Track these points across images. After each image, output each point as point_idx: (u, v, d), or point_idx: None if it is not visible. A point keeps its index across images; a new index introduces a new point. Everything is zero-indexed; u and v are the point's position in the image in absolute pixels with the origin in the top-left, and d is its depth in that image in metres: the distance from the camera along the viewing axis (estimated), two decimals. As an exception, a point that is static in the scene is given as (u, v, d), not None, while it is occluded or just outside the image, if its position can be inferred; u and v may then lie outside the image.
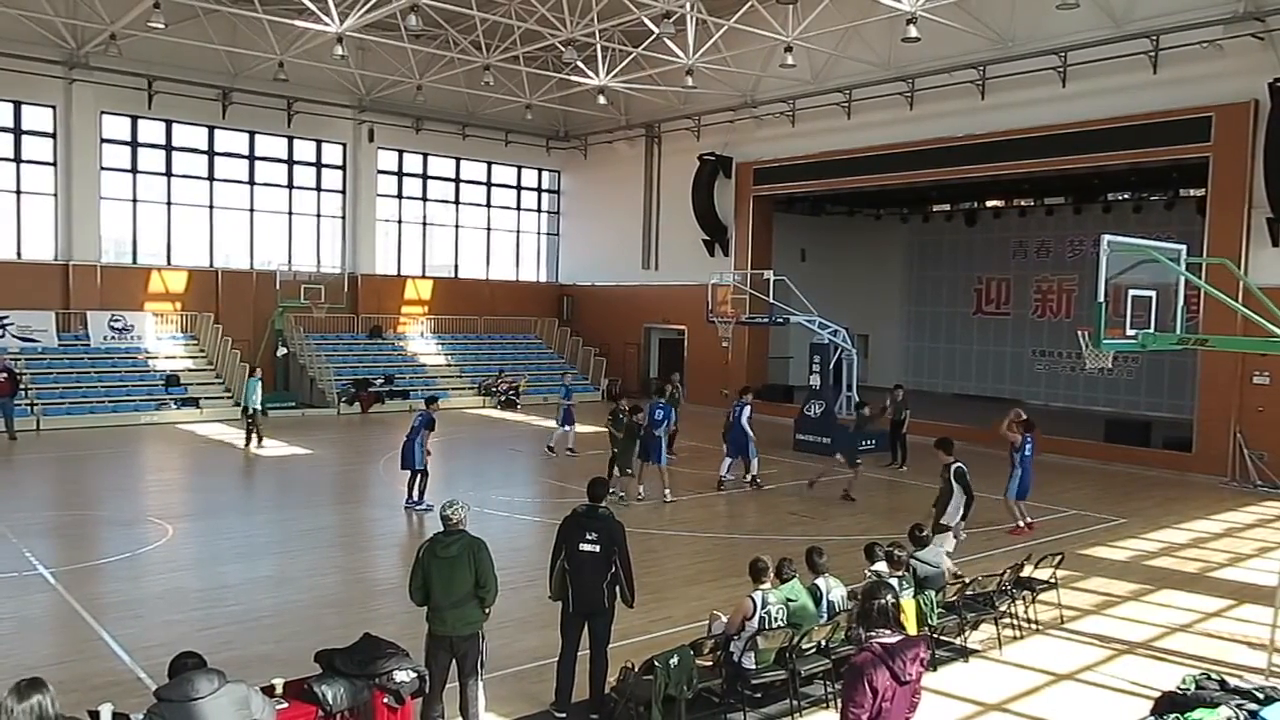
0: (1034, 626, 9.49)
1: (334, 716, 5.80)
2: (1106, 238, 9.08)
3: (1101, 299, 8.84)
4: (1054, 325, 29.00)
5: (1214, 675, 6.51)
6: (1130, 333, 9.33)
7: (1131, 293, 9.45)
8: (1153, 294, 9.53)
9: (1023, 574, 9.59)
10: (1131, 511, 15.62)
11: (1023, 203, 28.91)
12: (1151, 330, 9.39)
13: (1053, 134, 21.40)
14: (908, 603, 7.97)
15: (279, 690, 5.74)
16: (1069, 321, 27.74)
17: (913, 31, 18.96)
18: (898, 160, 24.51)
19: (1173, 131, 19.69)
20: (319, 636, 7.84)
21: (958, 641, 8.90)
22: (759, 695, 7.45)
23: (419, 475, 14.74)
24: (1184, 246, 9.87)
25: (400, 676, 6.10)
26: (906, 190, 27.08)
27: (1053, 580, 9.81)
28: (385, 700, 6.04)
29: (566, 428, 20.05)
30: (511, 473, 18.76)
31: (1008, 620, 9.27)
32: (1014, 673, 8.45)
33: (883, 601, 4.68)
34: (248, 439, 20.18)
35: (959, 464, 11.15)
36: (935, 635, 8.46)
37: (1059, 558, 9.85)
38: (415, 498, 14.65)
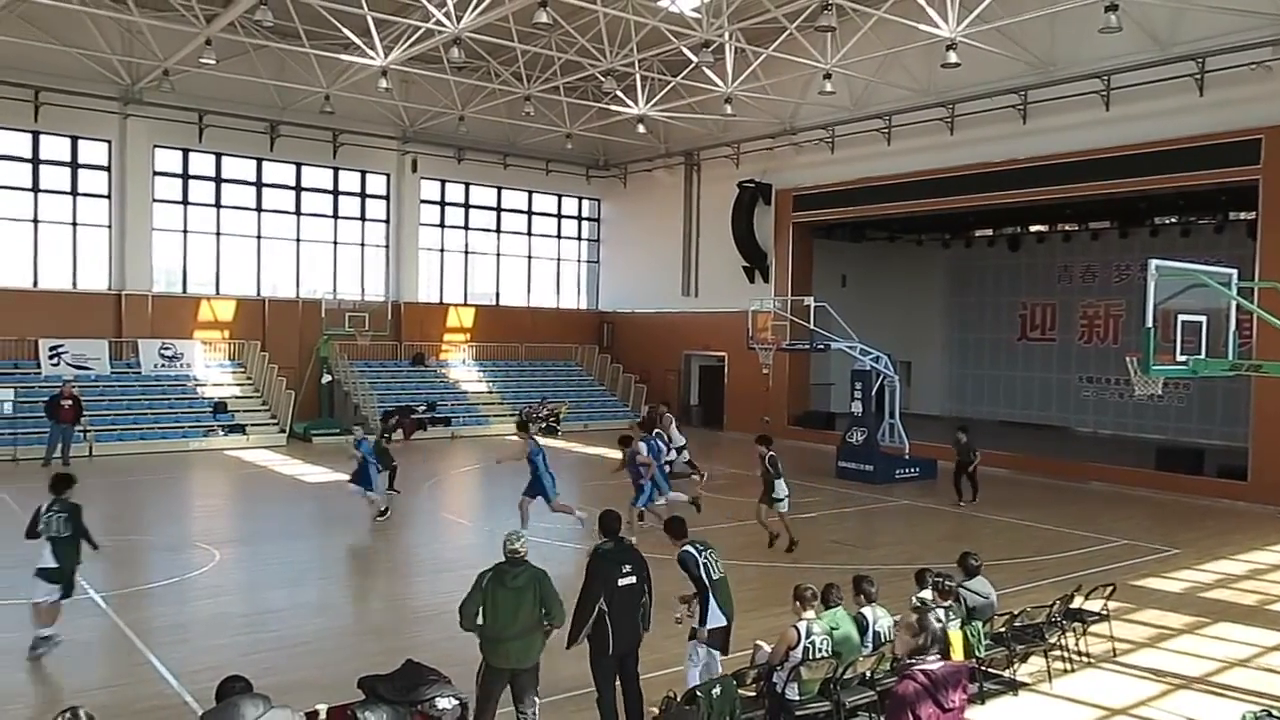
0: (1085, 659, 9.27)
1: (376, 743, 5.82)
2: (1154, 262, 8.94)
3: (1150, 324, 8.69)
4: (1101, 351, 28.53)
5: (1274, 712, 6.32)
6: (1181, 358, 9.15)
7: (1181, 318, 9.28)
8: (1203, 319, 9.35)
9: (1073, 605, 9.38)
10: (1185, 542, 15.24)
11: (1067, 227, 28.54)
12: (1203, 356, 9.21)
13: (1097, 158, 21.16)
14: (955, 634, 7.83)
15: (322, 715, 5.78)
16: (1117, 347, 27.27)
17: (953, 57, 18.91)
18: (939, 185, 24.37)
19: (1221, 154, 19.38)
20: (362, 662, 7.87)
21: (1006, 674, 8.72)
22: (802, 727, 7.34)
23: None
24: (1235, 271, 9.69)
25: (442, 703, 6.12)
26: (948, 215, 26.88)
27: (1104, 612, 9.58)
28: (427, 727, 6.05)
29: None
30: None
31: (1058, 653, 9.06)
32: (1065, 707, 8.25)
33: (935, 625, 4.63)
34: None
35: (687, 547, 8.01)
36: (983, 667, 8.29)
37: (1110, 589, 9.63)
38: None
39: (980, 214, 26.90)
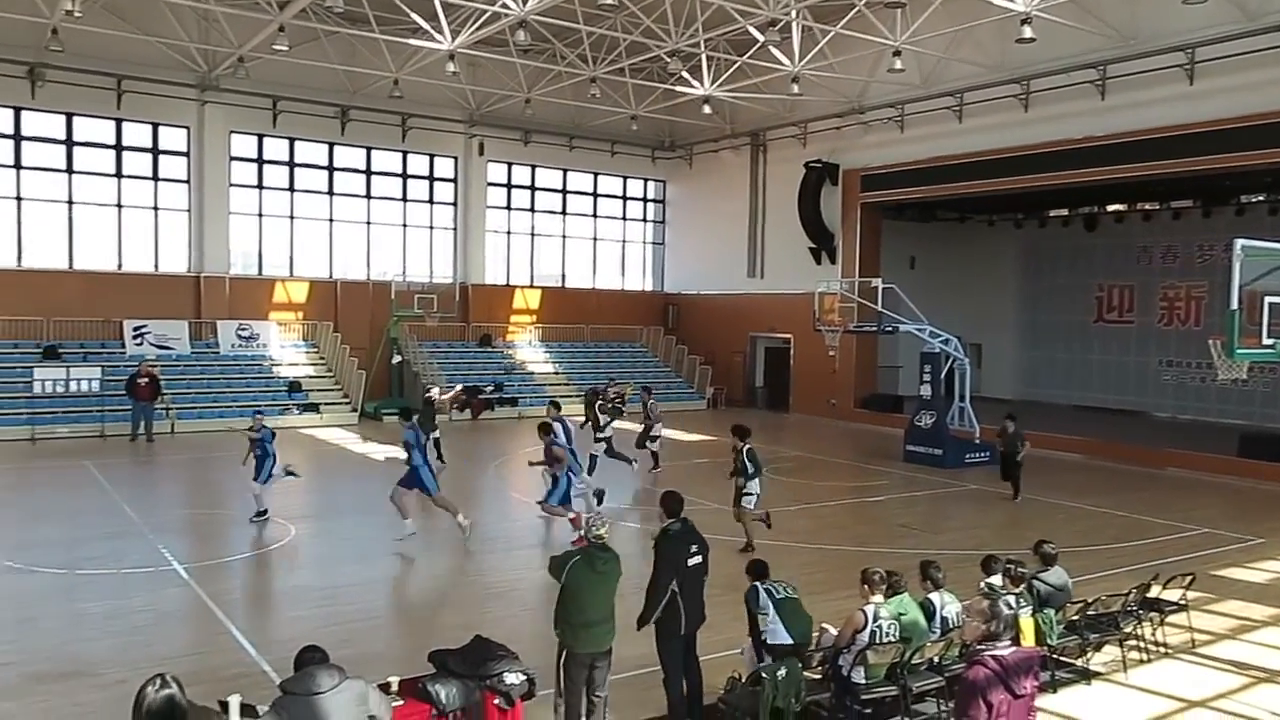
0: (1162, 650, 9.04)
1: (446, 716, 5.93)
2: (1240, 242, 8.66)
3: (1235, 306, 8.42)
4: (1182, 334, 27.64)
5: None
6: (1267, 341, 8.85)
7: (1268, 300, 8.96)
8: (1292, 300, 9.01)
9: (1150, 594, 9.15)
10: (1269, 531, 14.71)
11: (1147, 206, 27.67)
12: (1291, 339, 8.88)
13: (1180, 134, 20.42)
14: (1026, 621, 7.71)
15: (394, 687, 5.89)
16: (1199, 330, 26.38)
17: (1027, 32, 18.39)
18: (1012, 164, 23.77)
19: (1314, 129, 18.57)
20: (432, 637, 8.03)
21: (1079, 663, 8.56)
22: (868, 711, 7.30)
23: None
24: (1328, 250, 9.30)
25: (510, 679, 6.19)
26: (1022, 195, 26.21)
27: (1183, 602, 9.32)
28: (496, 702, 6.13)
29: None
30: (616, 480, 18.82)
31: (1133, 642, 8.85)
32: (1140, 697, 8.06)
33: (1006, 611, 4.57)
34: None
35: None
36: (1056, 656, 8.15)
37: (1189, 578, 9.36)
38: None
39: (1055, 193, 26.22)
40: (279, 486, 14.58)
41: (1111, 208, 28.46)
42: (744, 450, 12.91)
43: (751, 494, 12.89)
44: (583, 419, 17.87)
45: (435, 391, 20.50)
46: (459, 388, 25.79)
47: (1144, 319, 28.80)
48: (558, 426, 14.00)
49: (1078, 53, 21.79)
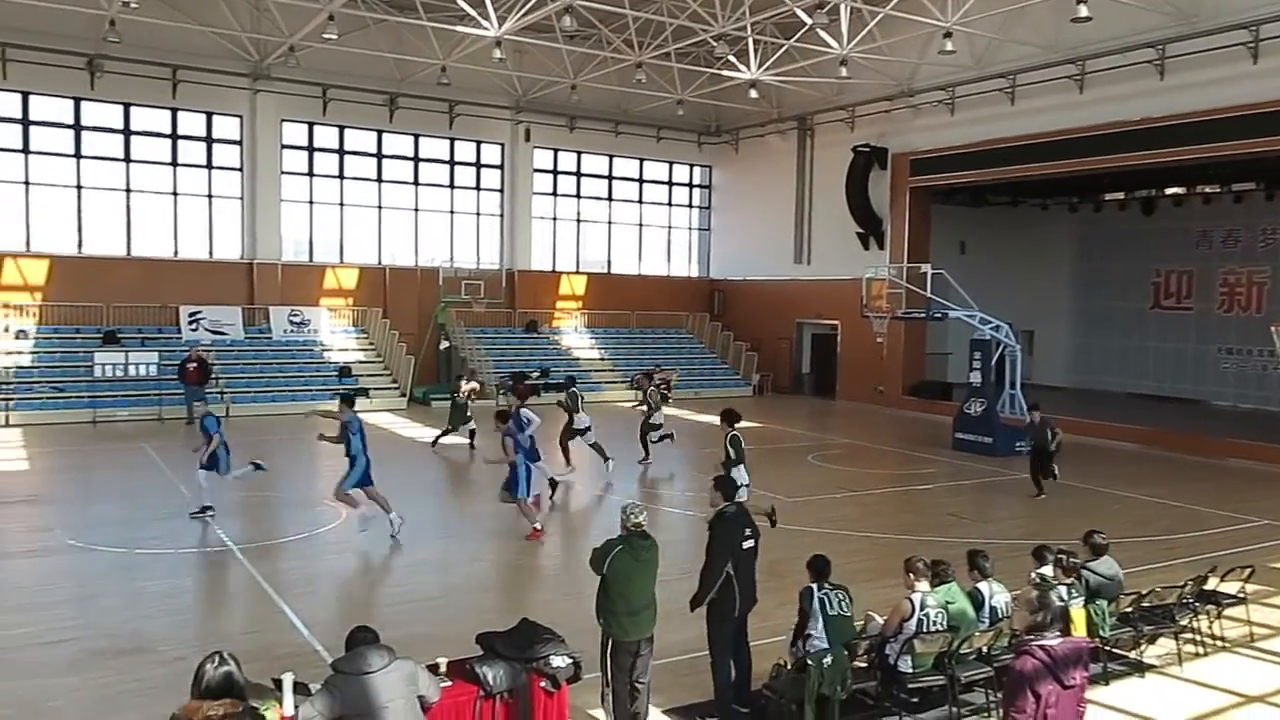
0: (1219, 643, 8.84)
1: (493, 697, 6.00)
2: (1307, 225, 8.38)
3: (1300, 292, 8.17)
4: (1243, 321, 26.94)
5: None
6: (1334, 328, 8.58)
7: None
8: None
9: (1206, 587, 8.95)
10: (1333, 523, 14.32)
11: (1207, 189, 26.93)
12: (1359, 326, 8.60)
13: (1242, 115, 19.82)
14: (1078, 612, 7.59)
15: (442, 669, 5.98)
16: (1260, 317, 25.71)
17: (1083, 11, 17.98)
18: (1066, 147, 23.28)
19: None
20: (479, 619, 8.11)
21: (1132, 655, 8.41)
22: (915, 700, 7.25)
23: None
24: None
25: (556, 662, 6.25)
26: (1076, 178, 25.67)
27: (1242, 595, 9.11)
28: (542, 684, 6.20)
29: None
30: (661, 465, 18.87)
31: (1189, 635, 8.67)
32: (1195, 691, 7.91)
33: (1055, 603, 4.52)
34: None
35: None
36: (1108, 647, 8.02)
37: (1249, 571, 9.14)
38: None
39: (1111, 176, 25.62)
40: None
41: (1170, 191, 27.76)
42: (728, 437, 12.29)
43: (739, 485, 11.69)
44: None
45: (463, 385, 20.39)
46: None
47: (1203, 305, 28.11)
48: (525, 413, 13.39)
49: (1135, 32, 21.25)
